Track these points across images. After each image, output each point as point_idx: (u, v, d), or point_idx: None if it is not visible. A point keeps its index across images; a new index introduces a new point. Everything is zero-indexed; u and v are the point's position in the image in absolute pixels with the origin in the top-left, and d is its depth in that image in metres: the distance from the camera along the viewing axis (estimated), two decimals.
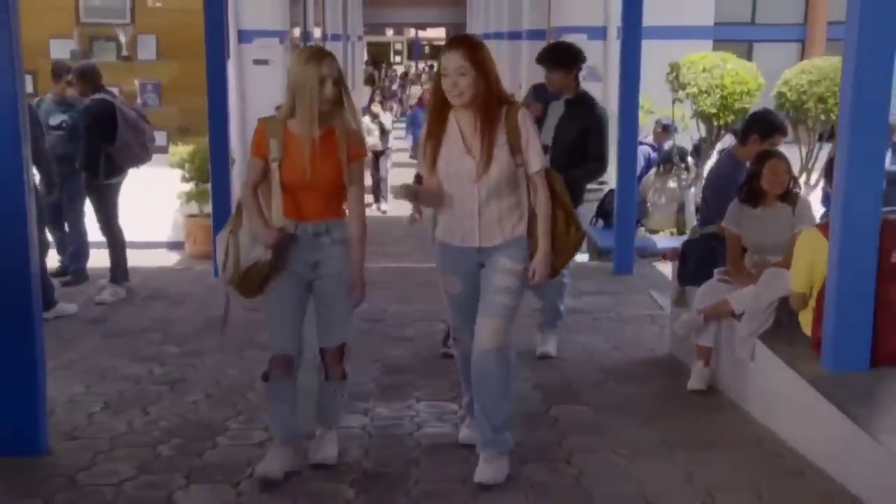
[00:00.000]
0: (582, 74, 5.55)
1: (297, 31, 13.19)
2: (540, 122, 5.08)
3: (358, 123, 3.59)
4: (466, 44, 3.52)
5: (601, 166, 5.30)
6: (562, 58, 5.37)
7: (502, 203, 3.52)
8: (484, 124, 3.45)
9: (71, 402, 4.40)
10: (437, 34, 32.42)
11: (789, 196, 4.82)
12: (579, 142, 5.16)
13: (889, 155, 9.57)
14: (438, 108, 3.53)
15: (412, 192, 3.64)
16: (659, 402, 4.56)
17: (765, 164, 4.76)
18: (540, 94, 5.80)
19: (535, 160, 3.52)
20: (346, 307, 3.59)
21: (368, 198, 11.82)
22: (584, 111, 5.26)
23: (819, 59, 9.94)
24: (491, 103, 3.46)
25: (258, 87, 10.21)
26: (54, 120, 7.14)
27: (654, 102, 10.25)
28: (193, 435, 4.02)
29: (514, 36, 15.91)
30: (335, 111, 3.40)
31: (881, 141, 3.88)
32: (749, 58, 11.25)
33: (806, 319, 4.14)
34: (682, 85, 9.62)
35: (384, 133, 13.75)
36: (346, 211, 3.57)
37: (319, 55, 3.44)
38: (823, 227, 4.04)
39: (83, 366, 5.05)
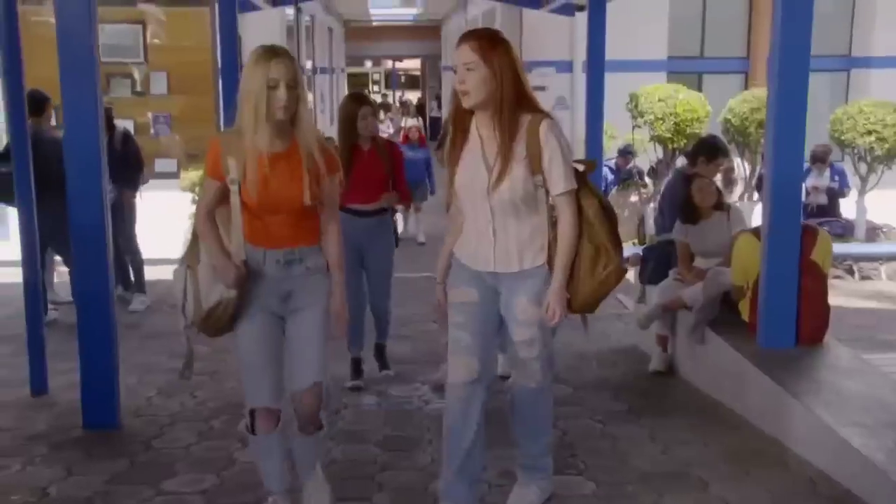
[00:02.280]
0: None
1: None
2: None
3: (316, 134, 2.95)
4: (479, 36, 2.92)
5: None
6: None
7: (522, 227, 2.97)
8: (500, 131, 2.89)
9: (129, 390, 4.91)
10: (413, 65, 33.16)
11: (722, 206, 5.48)
12: None
13: (827, 173, 10.41)
14: (459, 112, 2.96)
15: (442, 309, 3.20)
16: (626, 381, 5.18)
17: (692, 185, 5.42)
18: None
19: (559, 181, 2.91)
20: (322, 343, 2.99)
21: None
22: None
23: (759, 90, 10.68)
24: (506, 106, 2.87)
25: None
26: None
27: (617, 128, 10.92)
28: (238, 412, 4.52)
29: None
30: (294, 121, 2.82)
31: (799, 164, 4.54)
32: (699, 87, 11.99)
33: (744, 308, 4.78)
34: (641, 113, 10.29)
35: None
36: (320, 235, 3.02)
37: (269, 54, 2.75)
38: (757, 231, 4.71)
39: (131, 362, 5.54)
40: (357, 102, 4.81)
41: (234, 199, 2.83)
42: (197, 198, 9.58)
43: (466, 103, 2.89)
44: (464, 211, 3.06)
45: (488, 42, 2.87)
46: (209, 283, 2.85)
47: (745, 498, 3.41)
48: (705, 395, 4.82)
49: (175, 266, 3.00)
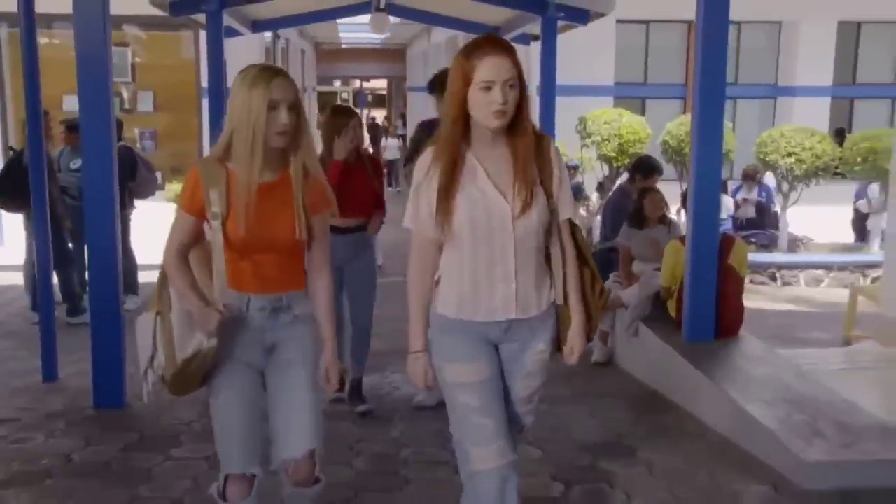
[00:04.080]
0: None
1: None
2: None
3: (317, 164, 2.52)
4: (511, 48, 2.39)
5: None
6: None
7: (539, 261, 2.50)
8: (519, 152, 2.40)
9: (130, 378, 5.23)
10: (380, 84, 33.61)
11: (665, 219, 6.00)
12: None
13: (756, 190, 11.02)
14: (458, 137, 2.40)
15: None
16: (571, 370, 5.50)
17: (646, 197, 5.95)
18: (430, 131, 4.79)
19: (568, 205, 2.53)
20: (315, 403, 2.55)
21: None
22: None
23: None
24: (530, 124, 2.44)
25: None
26: (74, 164, 7.91)
27: (567, 147, 11.44)
28: None
29: None
30: (291, 148, 2.42)
31: (716, 182, 5.01)
32: (642, 111, 12.56)
33: (671, 306, 5.25)
34: (589, 134, 10.80)
35: None
36: (308, 278, 2.60)
37: (268, 73, 2.37)
38: (683, 239, 5.19)
39: (129, 354, 5.88)
40: (344, 115, 4.48)
41: (217, 237, 2.39)
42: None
43: (501, 122, 2.36)
44: (463, 252, 2.44)
45: (516, 55, 2.39)
46: (184, 331, 2.40)
47: (664, 461, 3.86)
48: (639, 382, 5.29)
49: (140, 316, 2.55)
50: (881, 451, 3.56)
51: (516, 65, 2.35)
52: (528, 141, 2.41)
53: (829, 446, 3.59)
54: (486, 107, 2.33)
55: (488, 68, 2.32)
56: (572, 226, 2.59)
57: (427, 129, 4.92)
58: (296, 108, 2.39)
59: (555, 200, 2.48)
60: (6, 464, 3.77)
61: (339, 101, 32.43)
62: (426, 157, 2.45)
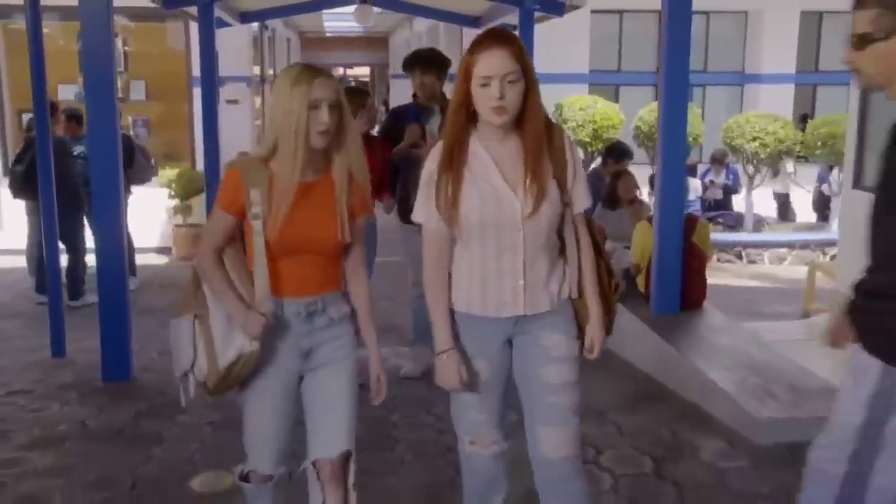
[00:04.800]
0: None
1: (257, 70, 14.33)
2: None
3: (363, 165, 2.41)
4: (513, 39, 2.28)
5: None
6: (436, 59, 4.70)
7: (550, 256, 2.40)
8: (535, 147, 2.30)
9: (134, 353, 5.46)
10: (363, 72, 33.62)
11: (636, 201, 6.26)
12: None
13: (723, 173, 11.30)
14: (462, 130, 2.33)
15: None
16: None
17: (619, 180, 6.21)
18: (404, 117, 4.79)
19: (583, 197, 2.43)
20: (350, 405, 2.48)
21: None
22: None
23: None
24: (541, 120, 2.33)
25: (230, 123, 11.23)
26: (75, 152, 8.04)
27: None
28: None
29: None
30: (333, 148, 2.34)
31: (680, 168, 5.24)
32: (616, 98, 12.80)
33: (641, 282, 5.51)
34: (565, 120, 11.04)
35: None
36: (347, 281, 2.50)
37: (311, 72, 2.29)
38: (651, 219, 5.44)
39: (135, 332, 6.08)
40: (360, 96, 4.37)
41: (258, 240, 2.30)
42: (173, 192, 10.21)
43: (502, 119, 2.27)
44: (471, 246, 2.38)
45: (522, 48, 2.28)
46: (225, 335, 2.30)
47: (632, 421, 4.13)
48: (611, 353, 5.50)
49: (175, 319, 2.41)
50: (826, 409, 3.81)
51: (519, 58, 2.24)
52: (537, 134, 2.31)
53: (780, 405, 3.87)
54: (485, 103, 2.25)
55: (485, 63, 2.23)
56: (585, 218, 2.48)
57: (397, 118, 4.89)
58: (338, 107, 2.30)
59: (569, 193, 2.39)
60: (27, 429, 3.98)
61: None
62: (438, 149, 2.37)
